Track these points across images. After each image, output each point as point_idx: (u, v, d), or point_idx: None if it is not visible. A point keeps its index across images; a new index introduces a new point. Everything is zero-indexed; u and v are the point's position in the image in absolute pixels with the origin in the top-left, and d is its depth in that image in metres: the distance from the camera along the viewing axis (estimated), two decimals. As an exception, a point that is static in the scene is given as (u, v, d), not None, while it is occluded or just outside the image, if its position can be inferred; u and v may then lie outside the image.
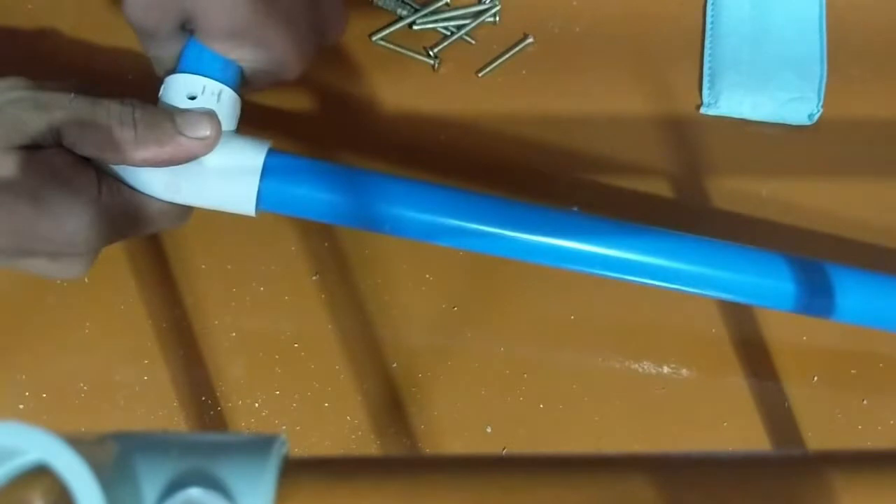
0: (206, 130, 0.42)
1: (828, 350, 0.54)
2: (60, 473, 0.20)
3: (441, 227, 0.46)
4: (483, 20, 0.57)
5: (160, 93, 0.45)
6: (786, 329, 0.54)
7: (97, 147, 0.41)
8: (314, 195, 0.46)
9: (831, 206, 0.56)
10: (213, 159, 0.44)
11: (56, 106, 0.41)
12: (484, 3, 0.58)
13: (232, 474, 0.23)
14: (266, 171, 0.45)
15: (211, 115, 0.43)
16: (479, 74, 0.56)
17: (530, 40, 0.57)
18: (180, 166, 0.43)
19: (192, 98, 0.44)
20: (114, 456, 0.23)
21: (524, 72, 0.57)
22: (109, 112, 0.41)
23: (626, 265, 0.47)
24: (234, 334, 0.52)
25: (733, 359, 0.53)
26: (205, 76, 0.44)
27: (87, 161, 0.42)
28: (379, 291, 0.53)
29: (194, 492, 0.23)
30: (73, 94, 0.42)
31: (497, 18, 0.57)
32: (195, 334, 0.52)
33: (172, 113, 0.43)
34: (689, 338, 0.54)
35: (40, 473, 0.22)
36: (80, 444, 0.21)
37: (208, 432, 0.51)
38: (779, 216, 0.56)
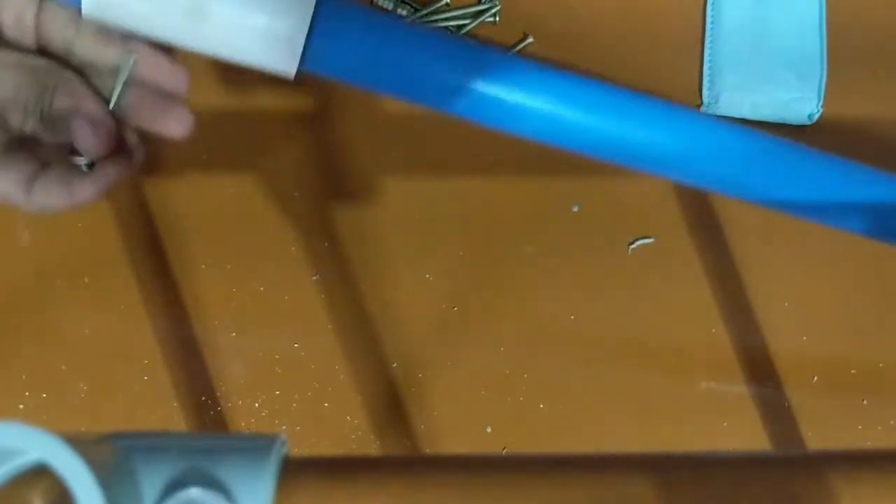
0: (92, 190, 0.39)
1: (828, 350, 0.54)
2: (60, 473, 0.20)
3: (516, 110, 0.38)
4: (483, 20, 0.57)
5: None
6: (786, 329, 0.54)
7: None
8: (377, 54, 0.36)
9: (831, 206, 0.56)
10: None
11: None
12: (484, 3, 0.58)
13: (232, 474, 0.23)
14: (318, 18, 0.34)
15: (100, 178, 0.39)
16: (479, 74, 0.56)
17: (530, 40, 0.57)
18: (204, 3, 0.33)
19: None
20: (114, 456, 0.23)
21: (524, 72, 0.57)
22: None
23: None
24: (234, 334, 0.52)
25: (733, 359, 0.53)
26: None
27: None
28: (379, 291, 0.53)
29: (194, 491, 0.23)
30: None
31: (497, 18, 0.57)
32: (195, 334, 0.52)
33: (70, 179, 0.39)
34: (689, 338, 0.54)
35: (40, 473, 0.22)
36: (80, 444, 0.21)
37: (208, 432, 0.51)
38: (779, 216, 0.56)
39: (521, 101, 0.38)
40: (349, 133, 0.55)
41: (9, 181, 0.41)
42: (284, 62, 0.35)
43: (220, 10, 0.33)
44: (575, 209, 0.54)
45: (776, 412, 0.53)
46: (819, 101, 0.56)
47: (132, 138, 0.43)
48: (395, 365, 0.52)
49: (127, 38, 0.37)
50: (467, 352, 0.52)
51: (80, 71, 0.38)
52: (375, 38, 0.35)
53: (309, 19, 0.34)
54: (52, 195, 0.41)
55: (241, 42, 0.34)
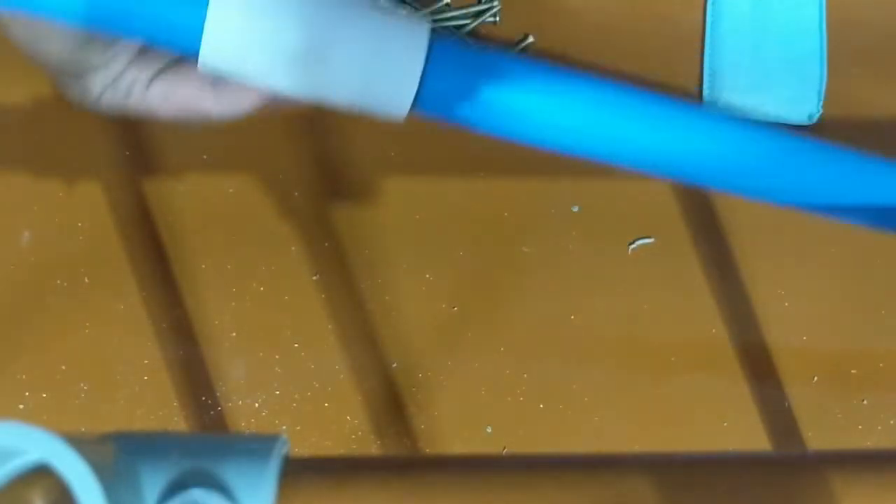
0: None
1: (828, 350, 0.54)
2: (61, 473, 0.20)
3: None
4: (483, 20, 0.57)
5: None
6: (786, 329, 0.54)
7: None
8: (498, 96, 0.34)
9: (831, 206, 0.56)
10: (362, 34, 0.33)
11: None
12: (484, 2, 0.58)
13: (233, 475, 0.23)
14: (432, 57, 0.33)
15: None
16: (479, 74, 0.56)
17: (530, 40, 0.57)
18: (320, 46, 0.33)
19: None
20: (114, 456, 0.23)
21: (524, 72, 0.57)
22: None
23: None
24: (234, 334, 0.52)
25: (733, 359, 0.53)
26: None
27: None
28: (379, 291, 0.53)
29: (196, 492, 0.23)
30: None
31: (497, 18, 0.57)
32: (195, 334, 0.52)
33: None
34: (689, 338, 0.54)
35: (41, 473, 0.22)
36: (80, 443, 0.21)
37: (209, 432, 0.51)
38: (779, 215, 0.56)
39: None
40: (349, 133, 0.55)
41: (196, 82, 0.36)
42: (394, 107, 0.34)
43: (339, 55, 0.33)
44: (575, 209, 0.54)
45: (776, 412, 0.53)
46: (819, 101, 0.56)
47: None
48: (395, 365, 0.52)
49: None
50: (467, 352, 0.52)
51: None
52: (491, 80, 0.34)
53: (423, 60, 0.33)
54: (240, 91, 0.37)
55: (353, 88, 0.34)
